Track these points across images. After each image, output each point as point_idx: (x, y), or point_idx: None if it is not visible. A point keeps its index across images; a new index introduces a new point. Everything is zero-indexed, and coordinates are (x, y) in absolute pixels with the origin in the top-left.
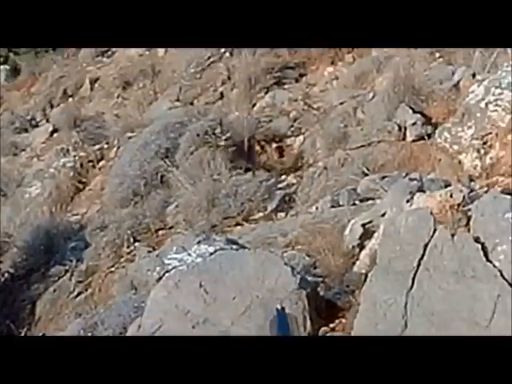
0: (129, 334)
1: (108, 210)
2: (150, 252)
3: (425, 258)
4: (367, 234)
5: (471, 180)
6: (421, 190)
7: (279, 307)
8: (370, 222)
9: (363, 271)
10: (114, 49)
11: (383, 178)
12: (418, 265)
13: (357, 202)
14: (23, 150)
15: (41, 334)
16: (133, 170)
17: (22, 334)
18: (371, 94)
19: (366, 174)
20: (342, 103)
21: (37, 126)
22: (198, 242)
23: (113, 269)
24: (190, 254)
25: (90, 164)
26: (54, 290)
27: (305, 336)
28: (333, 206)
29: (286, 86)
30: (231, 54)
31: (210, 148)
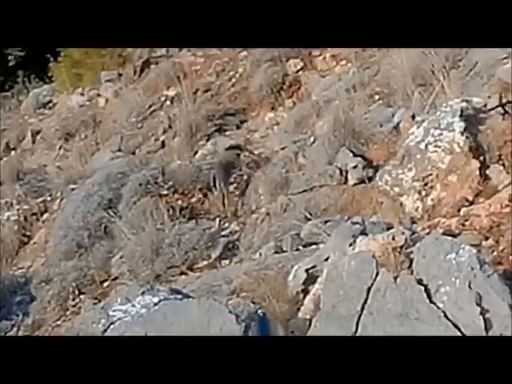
0: None
1: (53, 262)
2: (95, 304)
3: (368, 301)
4: (311, 279)
5: (413, 222)
6: (363, 233)
7: (260, 313)
8: (313, 266)
9: (308, 317)
10: (54, 100)
11: (326, 222)
12: (362, 309)
13: (300, 248)
14: None
15: None
16: (76, 221)
17: None
18: (312, 139)
19: (309, 219)
20: (283, 148)
21: None
22: (143, 293)
23: (59, 322)
24: (134, 305)
25: (34, 217)
26: None
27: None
28: (276, 252)
29: (227, 133)
30: (172, 102)
31: (153, 197)
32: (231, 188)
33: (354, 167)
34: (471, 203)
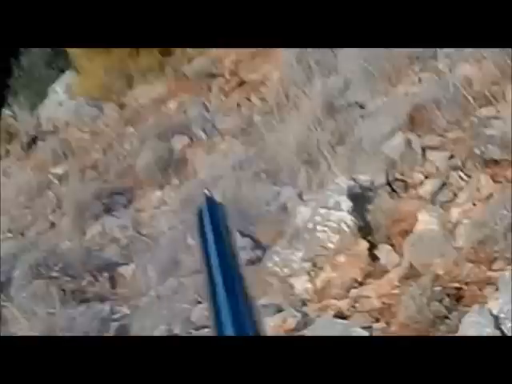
0: None
1: None
2: None
3: None
4: None
5: (303, 304)
6: None
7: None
8: None
9: None
10: None
11: None
12: None
13: (192, 331)
14: None
15: None
16: None
17: None
18: None
19: (200, 302)
20: (171, 228)
21: None
22: None
23: None
24: None
25: None
26: None
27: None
28: None
29: (115, 213)
30: (59, 181)
31: (44, 280)
32: (121, 270)
33: (243, 248)
34: (361, 284)
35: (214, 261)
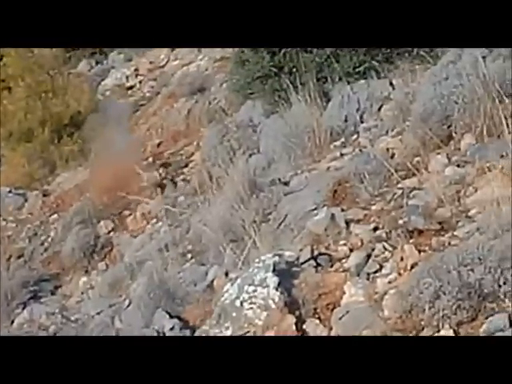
0: None
1: None
2: None
3: None
4: None
5: None
6: None
7: None
8: None
9: None
10: None
11: None
12: None
13: None
14: None
15: None
16: None
17: None
18: (127, 302)
19: None
20: (99, 313)
21: None
22: None
23: None
24: None
25: None
26: None
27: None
28: None
29: (42, 300)
30: None
31: None
32: None
33: (171, 329)
34: None
35: None
